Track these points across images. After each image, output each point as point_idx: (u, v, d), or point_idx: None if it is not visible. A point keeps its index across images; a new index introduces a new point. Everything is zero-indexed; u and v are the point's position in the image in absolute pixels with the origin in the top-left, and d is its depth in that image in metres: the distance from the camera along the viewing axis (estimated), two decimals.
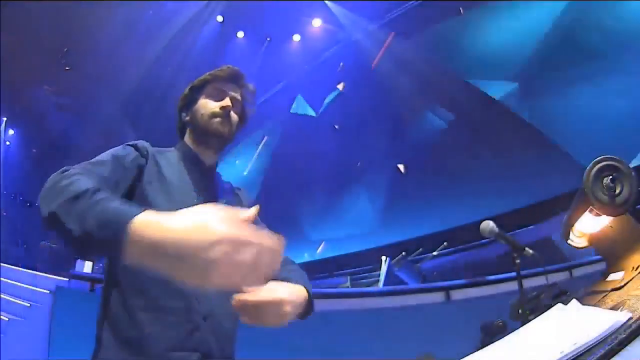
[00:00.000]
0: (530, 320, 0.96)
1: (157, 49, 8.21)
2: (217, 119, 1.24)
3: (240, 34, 8.91)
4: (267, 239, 0.64)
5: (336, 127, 8.97)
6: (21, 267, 4.27)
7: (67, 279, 4.06)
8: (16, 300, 3.86)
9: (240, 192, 1.39)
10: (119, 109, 8.80)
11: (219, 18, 8.58)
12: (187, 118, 1.29)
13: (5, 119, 9.42)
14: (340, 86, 8.78)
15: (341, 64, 8.73)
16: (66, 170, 0.89)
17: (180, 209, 1.13)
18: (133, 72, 8.20)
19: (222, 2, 8.29)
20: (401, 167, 8.44)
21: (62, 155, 8.36)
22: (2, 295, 3.72)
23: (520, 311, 1.23)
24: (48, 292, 3.89)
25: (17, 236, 8.97)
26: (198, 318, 1.05)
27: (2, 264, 4.06)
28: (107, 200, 0.74)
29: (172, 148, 1.28)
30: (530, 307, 1.21)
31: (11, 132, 9.95)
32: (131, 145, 1.16)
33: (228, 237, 0.61)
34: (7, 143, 9.83)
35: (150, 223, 0.65)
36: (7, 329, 3.55)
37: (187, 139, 1.29)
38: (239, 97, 1.31)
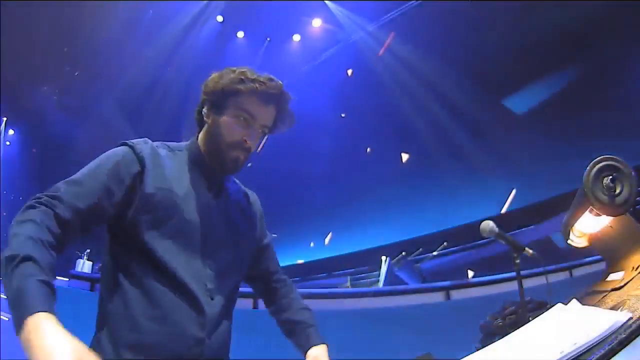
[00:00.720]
0: (509, 333, 0.95)
1: (157, 49, 8.20)
2: (235, 154, 1.12)
3: (240, 34, 8.90)
4: None
5: (342, 115, 8.98)
6: None
7: (67, 279, 4.06)
8: None
9: (251, 194, 1.32)
10: (119, 109, 8.79)
11: (219, 18, 8.58)
12: (208, 120, 1.15)
13: (5, 119, 9.42)
14: (349, 72, 8.75)
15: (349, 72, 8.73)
16: (38, 199, 0.96)
17: (187, 215, 1.08)
18: (133, 72, 8.19)
19: (222, 2, 8.28)
20: (405, 156, 8.40)
21: (62, 155, 8.36)
22: (2, 295, 3.72)
23: (501, 323, 1.22)
24: None
25: None
26: (203, 334, 1.03)
27: None
28: (25, 277, 0.81)
29: (183, 145, 1.19)
30: (509, 322, 1.20)
31: (11, 132, 9.96)
32: (130, 147, 1.08)
33: None
34: (7, 143, 9.83)
35: (36, 328, 0.75)
36: (7, 329, 3.54)
37: (201, 140, 1.18)
38: (269, 125, 1.16)
